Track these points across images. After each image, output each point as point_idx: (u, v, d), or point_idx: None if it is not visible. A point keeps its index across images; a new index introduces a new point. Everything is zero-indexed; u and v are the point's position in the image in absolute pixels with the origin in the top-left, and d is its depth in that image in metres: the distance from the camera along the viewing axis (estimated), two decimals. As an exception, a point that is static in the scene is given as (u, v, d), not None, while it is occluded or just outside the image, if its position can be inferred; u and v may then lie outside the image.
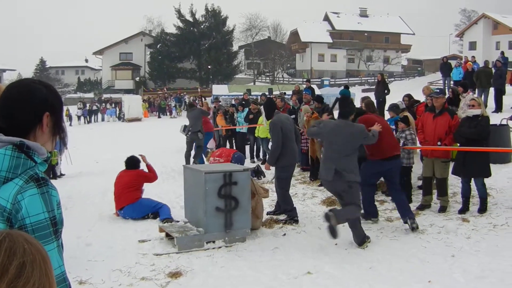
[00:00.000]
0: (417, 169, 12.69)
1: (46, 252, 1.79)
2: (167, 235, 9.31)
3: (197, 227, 9.17)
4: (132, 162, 11.90)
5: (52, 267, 1.79)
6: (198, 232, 8.99)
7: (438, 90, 11.78)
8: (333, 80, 72.34)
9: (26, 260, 1.66)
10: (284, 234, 9.64)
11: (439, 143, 10.79)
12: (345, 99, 10.02)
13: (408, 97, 15.12)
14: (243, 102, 22.52)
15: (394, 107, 13.10)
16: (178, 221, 10.25)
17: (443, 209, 10.82)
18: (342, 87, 19.95)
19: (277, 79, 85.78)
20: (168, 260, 8.27)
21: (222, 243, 9.03)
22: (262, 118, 17.87)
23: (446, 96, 13.51)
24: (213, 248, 8.86)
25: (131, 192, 11.31)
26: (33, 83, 2.59)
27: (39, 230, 2.30)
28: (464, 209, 10.56)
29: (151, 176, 11.87)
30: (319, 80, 68.85)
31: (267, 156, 18.21)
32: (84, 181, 16.09)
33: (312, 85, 26.48)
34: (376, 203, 11.50)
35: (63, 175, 18.08)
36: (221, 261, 8.20)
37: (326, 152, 9.21)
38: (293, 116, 17.05)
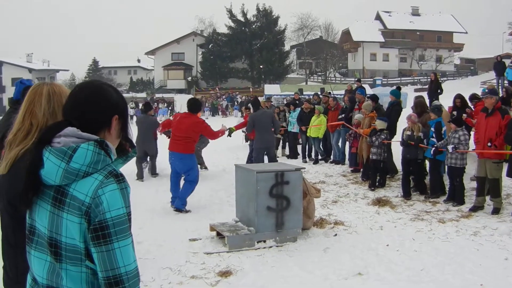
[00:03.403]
0: (471, 169, 12.50)
1: None
2: (218, 234, 9.33)
3: (248, 226, 9.16)
4: (195, 105, 12.14)
5: None
6: (249, 232, 8.99)
7: (487, 90, 11.54)
8: (385, 79, 71.68)
9: None
10: (335, 235, 9.57)
11: (489, 144, 10.59)
12: None
13: (460, 98, 14.86)
14: (297, 102, 22.41)
15: (435, 109, 12.93)
16: (189, 211, 11.61)
17: (496, 211, 10.62)
18: (394, 87, 19.68)
19: (329, 78, 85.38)
20: (219, 259, 8.29)
21: (273, 243, 9.01)
22: (315, 118, 17.88)
23: (500, 96, 13.27)
24: (264, 248, 8.85)
25: (188, 143, 11.67)
26: (104, 85, 2.64)
27: (119, 224, 2.36)
28: (518, 211, 10.35)
29: (214, 133, 12.24)
30: (371, 79, 68.38)
31: (319, 156, 18.33)
32: (133, 181, 16.17)
33: (364, 85, 26.29)
34: (428, 203, 11.47)
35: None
36: (271, 261, 8.19)
37: None
38: (343, 114, 16.98)
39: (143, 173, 16.21)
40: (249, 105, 16.38)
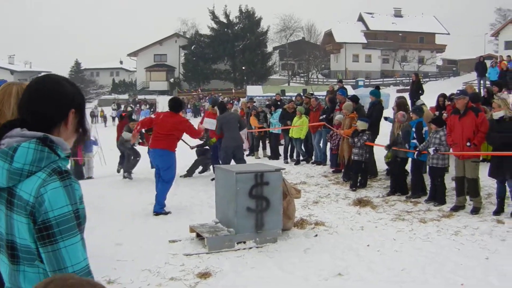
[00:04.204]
0: (453, 169, 12.52)
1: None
2: (198, 235, 9.26)
3: (227, 227, 9.09)
4: (176, 104, 12.29)
5: None
6: (228, 233, 8.92)
7: (458, 91, 11.60)
8: (368, 80, 71.79)
9: None
10: (316, 235, 9.52)
11: (468, 143, 10.63)
12: None
13: (443, 97, 14.90)
14: (278, 103, 22.43)
15: (417, 109, 12.95)
16: (169, 212, 11.60)
17: (476, 210, 10.66)
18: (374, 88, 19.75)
19: (311, 80, 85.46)
20: (198, 260, 8.22)
21: (253, 244, 8.94)
22: (297, 119, 17.87)
23: (481, 96, 13.32)
24: (244, 249, 8.78)
25: (171, 140, 11.74)
26: (60, 79, 2.58)
27: (63, 223, 2.28)
28: (499, 211, 10.39)
29: (197, 131, 12.56)
30: (354, 80, 68.49)
31: (300, 157, 18.33)
32: (117, 182, 16.14)
33: (346, 86, 26.35)
34: (409, 203, 11.48)
35: (91, 177, 18.21)
36: (251, 262, 8.13)
37: None
38: (324, 115, 16.99)
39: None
40: (215, 107, 16.58)
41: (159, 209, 11.64)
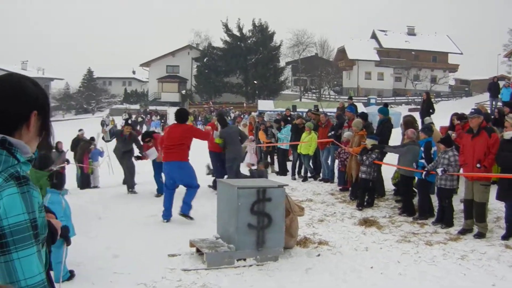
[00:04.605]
0: (462, 191, 12.27)
1: None
2: (198, 250, 9.07)
3: (228, 243, 8.90)
4: (182, 114, 12.46)
5: None
6: (228, 249, 8.73)
7: (473, 110, 11.37)
8: (380, 98, 71.55)
9: None
10: (319, 255, 9.30)
11: (478, 165, 10.38)
12: None
13: (456, 115, 14.69)
14: (288, 118, 22.31)
15: (426, 128, 12.74)
16: (192, 218, 11.75)
17: (480, 236, 10.37)
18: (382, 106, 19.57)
19: (323, 96, 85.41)
20: (196, 276, 8.05)
21: (253, 261, 8.74)
22: (305, 134, 17.70)
23: (492, 117, 13.08)
24: (244, 266, 8.58)
25: (183, 150, 11.87)
26: (23, 79, 2.40)
27: (18, 232, 2.11)
28: (507, 235, 10.10)
29: (204, 133, 12.98)
30: (366, 98, 68.30)
31: (308, 173, 18.14)
32: (122, 192, 15.98)
33: (358, 103, 26.19)
34: (416, 225, 11.27)
35: (97, 187, 18.06)
36: (250, 280, 7.94)
37: None
38: (332, 132, 16.83)
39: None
40: (216, 122, 16.83)
41: (187, 211, 11.84)
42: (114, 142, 16.45)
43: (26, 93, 2.34)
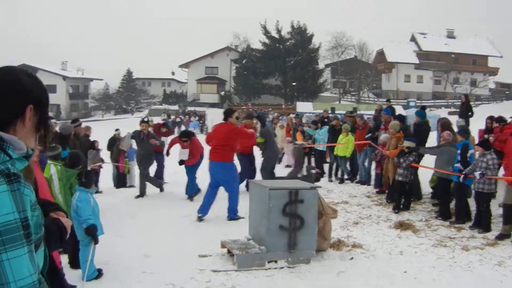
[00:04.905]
0: (501, 195, 11.99)
1: None
2: (229, 251, 8.97)
3: (259, 245, 8.78)
4: (226, 112, 12.72)
5: None
6: (259, 251, 8.62)
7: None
8: (419, 101, 70.92)
9: None
10: (352, 258, 9.12)
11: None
12: None
13: (491, 119, 14.39)
14: (325, 120, 22.17)
15: (462, 131, 12.47)
16: (243, 217, 11.63)
17: (516, 241, 10.08)
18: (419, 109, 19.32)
19: (362, 98, 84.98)
20: (226, 277, 7.96)
21: (285, 264, 8.61)
22: (342, 136, 17.56)
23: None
24: (275, 268, 8.47)
25: (227, 151, 12.09)
26: (16, 71, 2.31)
27: (7, 232, 2.02)
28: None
29: (250, 135, 13.01)
30: (405, 101, 67.78)
31: (345, 175, 17.97)
32: (157, 192, 15.96)
33: (397, 106, 25.94)
34: (453, 229, 11.02)
35: (133, 186, 18.06)
36: (280, 283, 7.83)
37: None
38: (370, 134, 16.68)
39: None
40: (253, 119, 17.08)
41: (233, 216, 12.05)
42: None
43: (19, 86, 2.24)
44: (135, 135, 16.01)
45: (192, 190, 14.77)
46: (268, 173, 14.85)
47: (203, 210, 12.17)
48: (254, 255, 8.53)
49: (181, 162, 14.85)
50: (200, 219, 12.02)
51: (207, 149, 12.93)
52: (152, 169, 16.89)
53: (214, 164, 12.16)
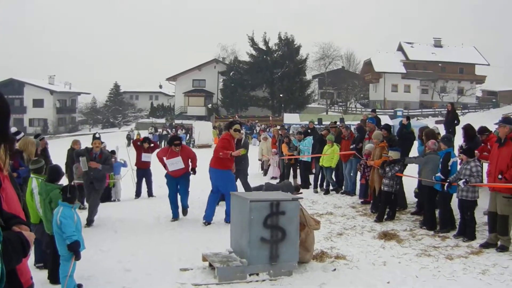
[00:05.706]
0: (485, 203, 11.94)
1: None
2: (211, 264, 8.87)
3: (241, 257, 8.69)
4: (229, 123, 13.46)
5: None
6: (241, 263, 8.52)
7: (501, 119, 10.94)
8: (406, 111, 71.15)
9: None
10: (334, 269, 9.04)
11: (500, 176, 10.02)
12: None
13: (465, 129, 14.35)
14: (308, 131, 22.15)
15: (445, 139, 12.41)
16: None
17: (503, 249, 9.99)
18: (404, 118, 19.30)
19: (350, 109, 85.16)
20: (207, 291, 7.86)
21: (266, 276, 8.51)
22: (327, 147, 17.54)
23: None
24: (256, 281, 8.37)
25: (219, 159, 12.74)
26: None
27: None
28: (531, 249, 9.75)
29: (222, 150, 13.00)
30: (392, 110, 67.96)
31: (330, 186, 17.92)
32: (141, 205, 15.89)
33: (384, 116, 25.98)
34: (437, 238, 10.98)
35: (118, 200, 17.95)
36: (262, 296, 7.73)
37: None
38: (354, 144, 16.66)
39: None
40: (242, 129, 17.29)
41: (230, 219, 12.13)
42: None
43: None
44: (85, 153, 13.80)
45: (185, 202, 14.02)
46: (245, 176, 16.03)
47: (206, 217, 13.00)
48: (235, 268, 8.43)
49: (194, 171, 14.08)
50: (205, 224, 12.91)
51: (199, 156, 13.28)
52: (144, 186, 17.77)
53: (211, 171, 13.01)
